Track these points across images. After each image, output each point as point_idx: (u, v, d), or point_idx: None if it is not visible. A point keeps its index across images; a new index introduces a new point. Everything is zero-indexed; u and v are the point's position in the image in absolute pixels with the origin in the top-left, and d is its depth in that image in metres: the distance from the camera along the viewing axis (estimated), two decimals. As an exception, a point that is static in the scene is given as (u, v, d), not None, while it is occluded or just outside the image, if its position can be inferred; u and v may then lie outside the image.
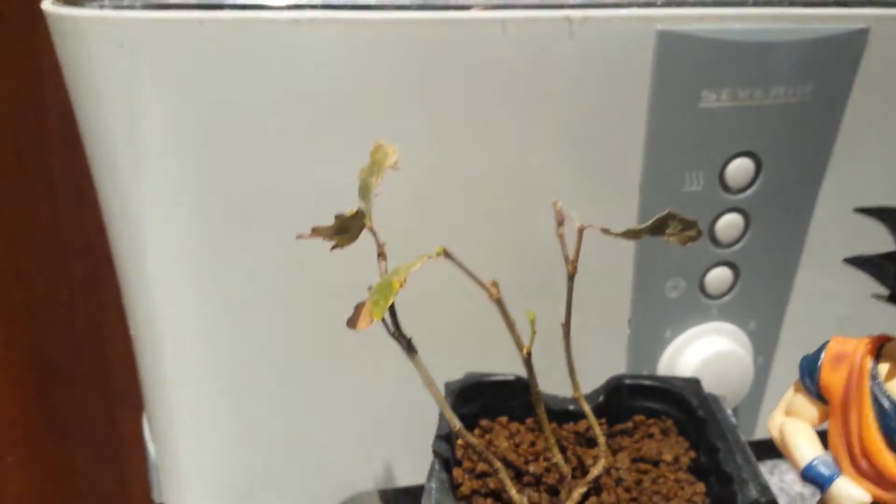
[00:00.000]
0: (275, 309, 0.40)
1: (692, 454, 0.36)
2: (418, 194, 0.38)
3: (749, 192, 0.42)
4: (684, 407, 0.38)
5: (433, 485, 0.33)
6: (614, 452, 0.37)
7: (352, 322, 0.31)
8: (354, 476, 0.45)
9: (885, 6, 0.39)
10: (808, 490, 0.48)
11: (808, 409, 0.27)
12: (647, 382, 0.39)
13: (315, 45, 0.32)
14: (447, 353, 0.40)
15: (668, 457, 0.36)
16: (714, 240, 0.42)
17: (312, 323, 0.41)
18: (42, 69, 0.53)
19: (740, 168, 0.41)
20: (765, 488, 0.32)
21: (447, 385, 0.39)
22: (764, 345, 0.46)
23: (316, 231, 0.28)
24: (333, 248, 0.29)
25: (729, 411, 0.38)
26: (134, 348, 0.44)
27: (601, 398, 0.39)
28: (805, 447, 0.26)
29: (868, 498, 0.25)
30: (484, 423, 0.39)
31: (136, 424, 0.64)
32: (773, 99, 0.39)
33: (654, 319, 0.44)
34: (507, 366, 0.39)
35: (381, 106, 0.35)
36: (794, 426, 0.27)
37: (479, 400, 0.39)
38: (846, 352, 0.26)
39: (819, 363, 0.27)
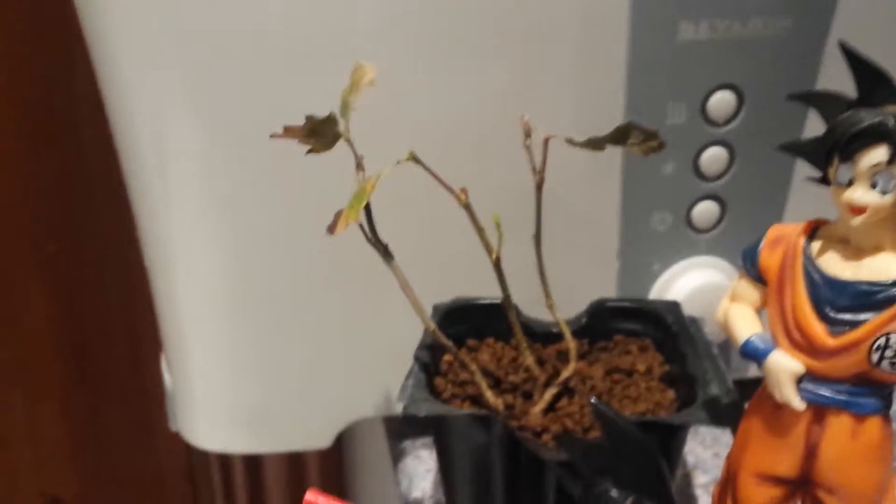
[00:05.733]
0: (283, 238, 0.43)
1: (666, 368, 0.38)
2: (406, 120, 0.40)
3: (733, 124, 0.43)
4: (662, 326, 0.39)
5: (410, 381, 0.35)
6: (590, 366, 0.38)
7: (330, 227, 0.33)
8: (359, 403, 0.47)
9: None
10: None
11: (750, 292, 0.28)
12: (627, 304, 0.41)
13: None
14: (441, 281, 0.42)
15: (641, 368, 0.37)
16: (699, 173, 0.43)
17: (319, 253, 0.43)
18: (72, 32, 0.57)
19: (722, 101, 0.42)
20: (729, 390, 0.34)
21: (435, 306, 0.41)
22: (755, 281, 0.47)
23: (288, 130, 0.30)
24: (308, 152, 0.32)
25: (706, 330, 0.39)
26: (148, 279, 0.47)
27: (584, 320, 0.41)
28: (744, 326, 0.28)
29: (801, 368, 0.26)
30: (471, 342, 0.40)
31: (162, 378, 0.68)
32: (751, 31, 0.41)
33: (642, 253, 0.45)
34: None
35: (368, 34, 0.37)
36: (736, 310, 0.28)
37: (468, 322, 0.41)
38: (784, 234, 0.28)
39: (759, 248, 0.28)
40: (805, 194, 0.46)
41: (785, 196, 0.45)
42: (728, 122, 0.43)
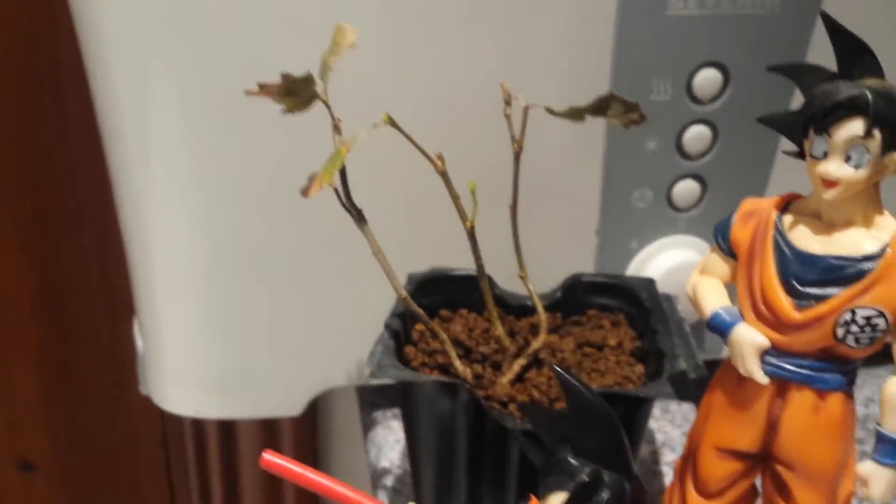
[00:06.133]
0: (258, 205, 0.42)
1: (638, 343, 0.37)
2: (388, 87, 0.40)
3: (717, 103, 0.42)
4: (636, 302, 0.39)
5: (379, 348, 0.34)
6: (562, 339, 0.38)
7: (304, 190, 0.32)
8: (331, 372, 0.47)
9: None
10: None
11: (720, 266, 0.28)
12: (602, 280, 0.40)
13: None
14: (418, 251, 0.42)
15: (612, 342, 0.37)
16: (682, 152, 0.43)
17: (294, 220, 0.43)
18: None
19: (708, 79, 0.42)
20: (697, 366, 0.33)
21: (410, 276, 0.40)
22: (733, 263, 0.47)
23: (263, 88, 0.29)
24: (285, 112, 0.31)
25: (679, 307, 0.39)
26: (123, 241, 0.46)
27: (559, 294, 0.41)
28: (712, 299, 0.28)
29: (766, 341, 0.26)
30: (444, 313, 0.40)
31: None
32: (740, 9, 0.40)
33: (620, 230, 0.45)
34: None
35: None
36: (706, 283, 0.28)
37: (442, 292, 0.41)
38: (757, 209, 0.27)
39: (731, 221, 0.28)
40: (786, 176, 0.45)
41: (766, 178, 0.45)
42: (713, 100, 0.42)
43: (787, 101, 0.43)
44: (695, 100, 0.42)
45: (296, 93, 0.31)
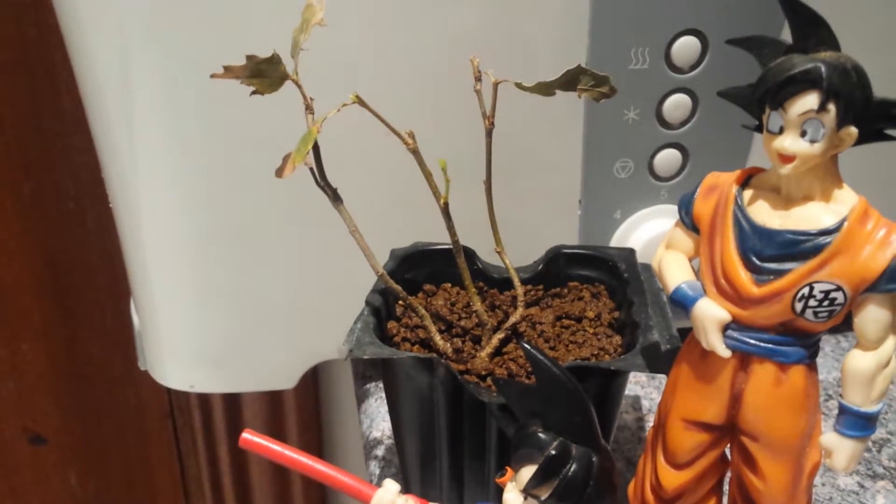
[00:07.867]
0: (247, 180, 0.43)
1: (616, 314, 0.38)
2: (374, 66, 0.40)
3: (696, 71, 0.42)
4: (616, 273, 0.39)
5: (358, 325, 0.35)
6: (542, 311, 0.38)
7: (278, 171, 0.33)
8: (323, 346, 0.48)
9: None
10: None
11: (684, 240, 0.29)
12: (582, 251, 0.41)
13: None
14: (408, 226, 0.42)
15: (590, 314, 0.37)
16: (662, 121, 0.43)
17: (286, 196, 0.43)
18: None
19: (686, 46, 0.41)
20: (672, 337, 0.34)
21: (393, 251, 0.41)
22: (719, 230, 0.47)
23: (228, 70, 0.30)
24: (253, 93, 0.31)
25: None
26: (114, 219, 0.47)
27: (540, 267, 0.41)
28: (675, 273, 0.28)
29: (727, 316, 0.26)
30: (428, 287, 0.41)
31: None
32: (717, -25, 0.40)
33: (603, 200, 0.45)
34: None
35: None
36: (670, 257, 0.29)
37: (426, 267, 0.41)
38: (718, 183, 0.28)
39: (694, 196, 0.28)
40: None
41: (748, 146, 0.45)
42: (692, 68, 0.42)
43: (768, 67, 0.43)
44: (674, 68, 0.42)
45: (263, 74, 0.31)
